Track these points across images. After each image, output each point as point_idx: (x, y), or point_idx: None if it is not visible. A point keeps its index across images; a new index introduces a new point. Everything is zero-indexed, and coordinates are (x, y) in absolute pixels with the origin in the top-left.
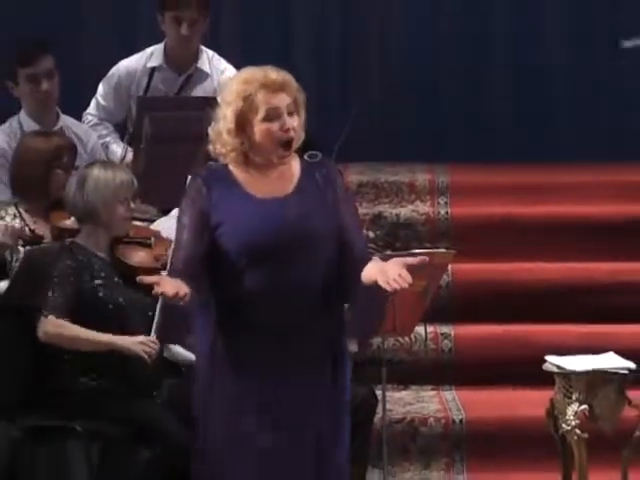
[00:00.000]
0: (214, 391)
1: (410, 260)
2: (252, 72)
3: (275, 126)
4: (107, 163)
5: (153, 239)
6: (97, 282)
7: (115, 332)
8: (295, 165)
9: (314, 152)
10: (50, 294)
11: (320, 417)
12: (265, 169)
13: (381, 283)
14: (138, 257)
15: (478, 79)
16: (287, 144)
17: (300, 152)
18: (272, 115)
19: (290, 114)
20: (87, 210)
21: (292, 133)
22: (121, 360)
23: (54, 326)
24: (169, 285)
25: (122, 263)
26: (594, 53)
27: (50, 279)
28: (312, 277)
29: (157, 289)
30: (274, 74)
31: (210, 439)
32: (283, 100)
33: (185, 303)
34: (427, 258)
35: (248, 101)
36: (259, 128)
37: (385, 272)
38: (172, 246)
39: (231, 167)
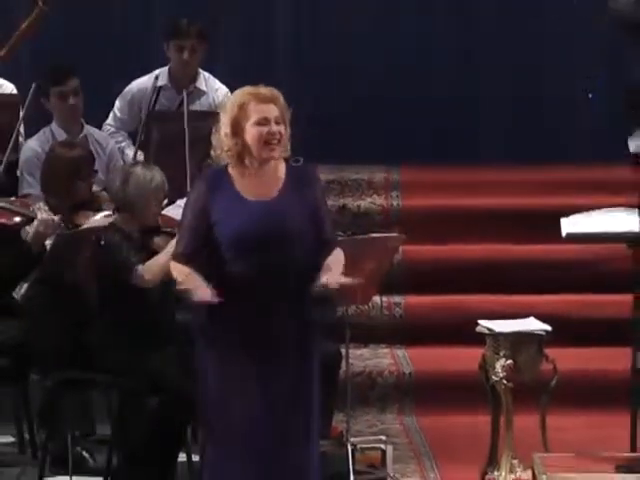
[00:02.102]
0: (208, 349)
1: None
2: (247, 88)
3: (264, 130)
4: (147, 165)
5: (176, 229)
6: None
7: (139, 302)
8: (282, 169)
9: (297, 157)
10: (125, 255)
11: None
12: (256, 170)
13: (322, 278)
14: (164, 243)
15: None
16: (271, 145)
17: (287, 158)
18: (262, 121)
19: (277, 123)
20: (126, 202)
21: (278, 136)
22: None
23: (148, 270)
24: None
25: (148, 248)
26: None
27: (112, 250)
28: (290, 267)
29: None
30: (265, 89)
31: (207, 389)
32: (272, 111)
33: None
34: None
35: (242, 109)
36: (250, 131)
37: (328, 272)
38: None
39: (229, 169)
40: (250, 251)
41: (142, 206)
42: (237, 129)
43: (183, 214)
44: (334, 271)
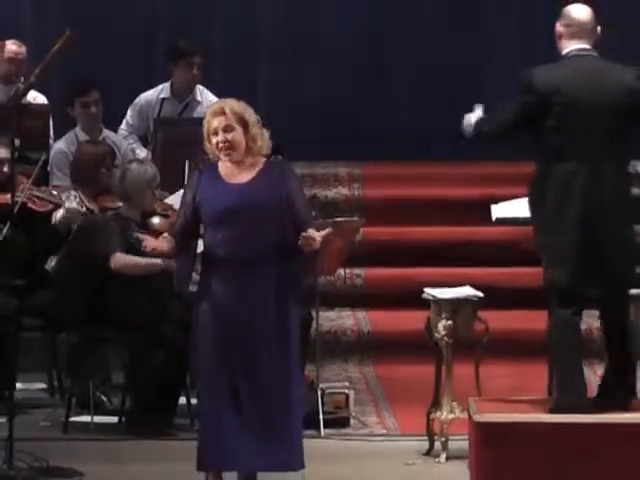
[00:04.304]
0: (201, 304)
1: (323, 234)
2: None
3: (214, 139)
4: (141, 161)
5: (170, 211)
6: (132, 239)
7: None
8: (260, 162)
9: (277, 155)
10: (112, 240)
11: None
12: (236, 164)
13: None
14: (159, 223)
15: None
16: (224, 152)
17: (268, 156)
18: (213, 132)
19: (227, 131)
20: (126, 193)
21: (225, 144)
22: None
23: (122, 259)
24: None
25: (148, 229)
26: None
27: (104, 234)
28: (260, 235)
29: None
30: (218, 104)
31: (198, 340)
32: (220, 122)
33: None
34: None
35: (206, 124)
36: (211, 140)
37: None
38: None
39: (219, 163)
40: (226, 221)
41: (138, 195)
42: (209, 138)
43: (182, 197)
44: (313, 232)
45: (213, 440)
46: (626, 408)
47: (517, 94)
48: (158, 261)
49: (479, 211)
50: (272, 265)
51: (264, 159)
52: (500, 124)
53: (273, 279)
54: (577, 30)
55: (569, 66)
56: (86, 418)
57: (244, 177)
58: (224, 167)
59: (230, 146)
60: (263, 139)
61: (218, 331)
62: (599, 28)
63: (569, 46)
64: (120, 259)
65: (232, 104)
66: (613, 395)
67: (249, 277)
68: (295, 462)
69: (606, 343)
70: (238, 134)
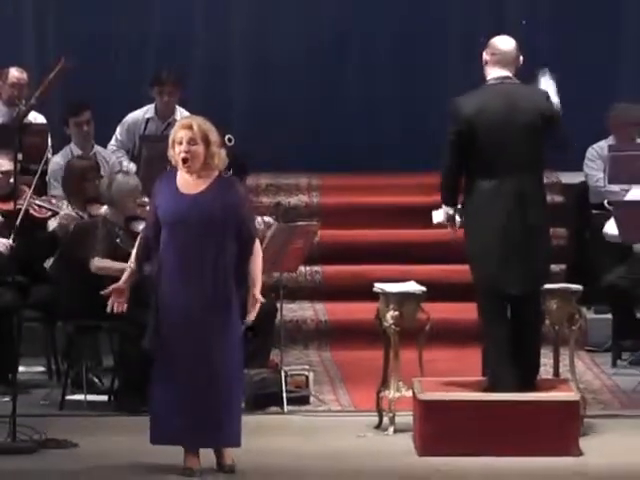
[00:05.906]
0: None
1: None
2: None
3: (177, 149)
4: (126, 172)
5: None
6: (117, 240)
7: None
8: (213, 176)
9: (229, 172)
10: (96, 245)
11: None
12: (193, 175)
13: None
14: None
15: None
16: (183, 161)
17: (225, 171)
18: (178, 141)
19: (190, 143)
20: (112, 200)
21: (187, 155)
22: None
23: (100, 262)
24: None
25: (131, 231)
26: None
27: (93, 238)
28: (207, 242)
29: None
30: (187, 119)
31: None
32: (186, 134)
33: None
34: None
35: (174, 133)
36: (174, 149)
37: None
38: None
39: (178, 171)
40: (177, 227)
41: (122, 202)
42: (173, 146)
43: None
44: (256, 291)
45: (162, 417)
46: (535, 388)
47: (449, 124)
48: (127, 265)
49: (422, 216)
50: (213, 268)
51: (217, 173)
52: (447, 175)
53: (213, 280)
54: (500, 59)
55: (489, 92)
56: (80, 397)
57: (197, 188)
58: (181, 175)
59: (190, 157)
60: (220, 157)
61: (168, 322)
62: (521, 58)
63: (492, 73)
64: (97, 263)
65: (200, 121)
66: (523, 378)
67: (193, 277)
68: (232, 439)
69: (516, 332)
70: (199, 148)
